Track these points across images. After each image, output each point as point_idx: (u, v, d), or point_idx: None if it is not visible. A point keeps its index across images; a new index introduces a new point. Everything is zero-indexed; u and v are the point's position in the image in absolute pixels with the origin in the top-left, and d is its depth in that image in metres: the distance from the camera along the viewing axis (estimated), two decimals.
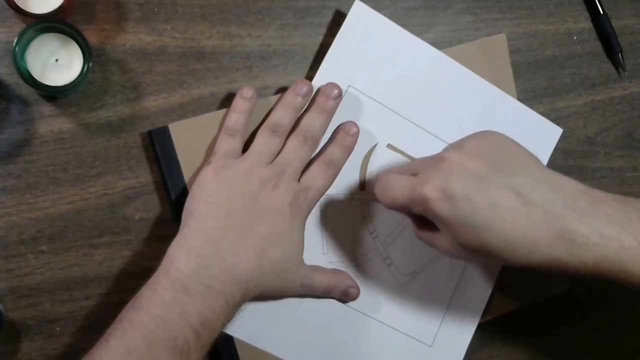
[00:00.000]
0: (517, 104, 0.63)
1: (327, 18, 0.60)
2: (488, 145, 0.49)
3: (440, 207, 0.46)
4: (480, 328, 0.62)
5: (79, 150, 0.55)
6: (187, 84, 0.57)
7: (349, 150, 0.57)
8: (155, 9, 0.57)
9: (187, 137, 0.56)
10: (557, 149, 0.65)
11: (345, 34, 0.58)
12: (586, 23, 0.67)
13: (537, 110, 0.65)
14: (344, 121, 0.58)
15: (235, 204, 0.52)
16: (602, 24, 0.66)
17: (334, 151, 0.57)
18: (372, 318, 0.59)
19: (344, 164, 0.58)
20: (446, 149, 0.50)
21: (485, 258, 0.48)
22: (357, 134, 0.57)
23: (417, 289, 0.60)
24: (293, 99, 0.56)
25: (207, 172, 0.53)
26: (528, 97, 0.65)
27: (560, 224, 0.46)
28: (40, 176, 0.54)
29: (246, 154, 0.54)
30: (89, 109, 0.55)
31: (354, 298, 0.58)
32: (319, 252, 0.58)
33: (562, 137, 0.66)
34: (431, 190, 0.47)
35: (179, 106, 0.57)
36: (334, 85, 0.56)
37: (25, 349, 0.54)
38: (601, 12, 0.66)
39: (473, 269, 0.61)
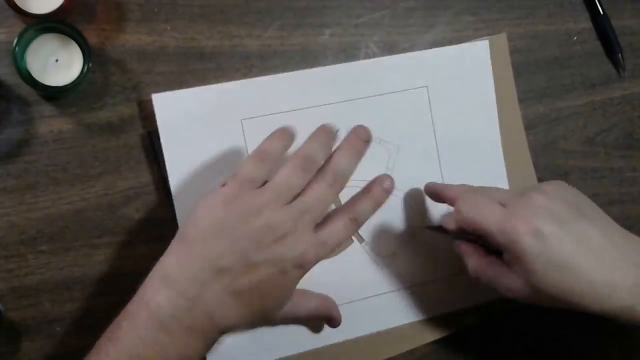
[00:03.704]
0: None
1: (327, 18, 0.60)
2: (568, 193, 0.51)
3: (529, 243, 0.47)
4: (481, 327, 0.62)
5: (79, 150, 0.55)
6: (187, 84, 0.57)
7: (378, 206, 0.53)
8: (156, 9, 0.57)
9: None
10: (557, 149, 0.65)
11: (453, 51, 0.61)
12: (586, 23, 0.67)
13: (537, 111, 0.65)
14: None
15: (233, 246, 0.47)
16: (602, 24, 0.66)
17: (364, 206, 0.52)
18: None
19: (366, 220, 0.52)
20: (529, 190, 0.51)
21: (558, 301, 0.48)
22: (391, 189, 0.53)
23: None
24: (326, 135, 0.51)
25: (217, 198, 0.47)
26: (528, 97, 0.65)
27: (636, 273, 0.47)
28: (40, 176, 0.54)
29: (265, 186, 0.48)
30: (89, 109, 0.55)
31: (335, 326, 0.57)
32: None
33: (562, 137, 0.66)
34: (523, 226, 0.47)
35: None
36: (365, 129, 0.52)
37: (25, 349, 0.54)
38: (601, 12, 0.66)
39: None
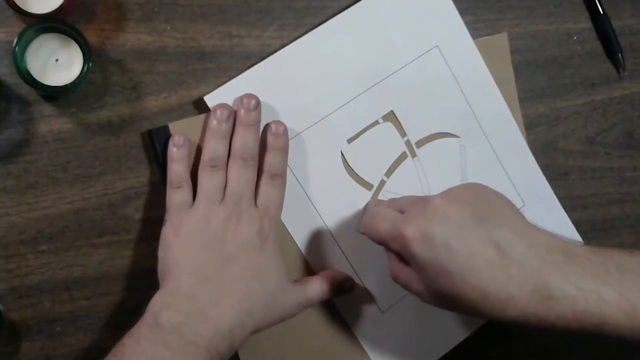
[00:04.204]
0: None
1: (327, 18, 0.60)
2: (473, 195, 0.50)
3: (418, 248, 0.47)
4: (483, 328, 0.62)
5: (79, 150, 0.55)
6: (187, 84, 0.57)
7: (285, 151, 0.56)
8: (155, 9, 0.57)
9: (191, 136, 0.56)
10: (557, 149, 0.65)
11: None
12: (586, 23, 0.67)
13: (537, 111, 0.65)
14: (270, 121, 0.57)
15: (204, 255, 0.51)
16: (602, 24, 0.66)
17: (273, 160, 0.56)
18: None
19: (287, 167, 0.57)
20: (434, 195, 0.50)
21: (458, 308, 0.48)
22: (286, 131, 0.56)
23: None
24: (219, 127, 0.54)
25: (167, 233, 0.53)
26: (528, 97, 0.65)
27: (537, 279, 0.45)
28: (40, 176, 0.54)
29: (196, 199, 0.54)
30: (89, 109, 0.55)
31: (351, 290, 0.58)
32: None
33: (562, 137, 0.66)
34: (412, 231, 0.47)
35: (179, 106, 0.57)
36: (250, 97, 0.55)
37: (25, 349, 0.54)
38: (601, 12, 0.66)
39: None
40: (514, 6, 0.65)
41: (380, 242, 0.51)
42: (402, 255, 0.49)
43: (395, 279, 0.52)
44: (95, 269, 0.55)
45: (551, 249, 0.47)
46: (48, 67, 0.52)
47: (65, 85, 0.51)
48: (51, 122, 0.55)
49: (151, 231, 0.56)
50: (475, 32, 0.63)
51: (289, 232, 0.58)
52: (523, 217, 0.49)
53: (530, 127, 0.64)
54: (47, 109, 0.55)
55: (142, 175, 0.56)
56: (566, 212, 0.65)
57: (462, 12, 0.63)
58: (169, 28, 0.57)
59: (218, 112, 0.55)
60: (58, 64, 0.52)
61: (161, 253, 0.53)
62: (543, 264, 0.46)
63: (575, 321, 0.45)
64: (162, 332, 0.48)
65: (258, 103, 0.55)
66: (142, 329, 0.49)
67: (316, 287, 0.56)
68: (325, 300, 0.57)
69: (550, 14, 0.66)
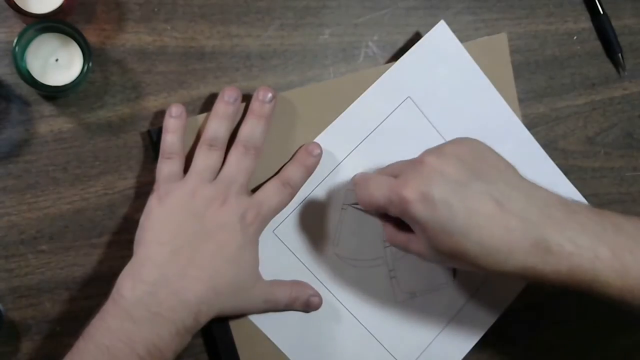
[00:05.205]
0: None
1: (327, 18, 0.60)
2: (467, 152, 0.49)
3: (418, 210, 0.47)
4: None
5: (79, 150, 0.55)
6: (187, 84, 0.57)
7: (309, 171, 0.56)
8: (155, 9, 0.57)
9: (186, 136, 0.55)
10: (557, 149, 0.65)
11: (420, 48, 0.59)
12: (586, 23, 0.67)
13: (536, 111, 0.65)
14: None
15: (182, 227, 0.51)
16: (602, 24, 0.66)
17: (293, 171, 0.56)
18: (360, 323, 0.59)
19: (302, 184, 0.56)
20: (425, 153, 0.50)
21: (459, 263, 0.48)
22: (319, 155, 0.56)
23: (411, 310, 0.60)
24: (224, 108, 0.54)
25: (151, 201, 0.53)
26: (528, 97, 0.65)
27: (536, 232, 0.46)
28: (40, 176, 0.54)
29: (187, 174, 0.53)
30: (89, 109, 0.55)
31: (317, 307, 0.57)
32: (330, 242, 0.58)
33: (562, 137, 0.66)
34: (410, 193, 0.47)
35: None
36: (267, 89, 0.55)
37: (25, 349, 0.54)
38: (601, 12, 0.66)
39: (473, 308, 0.61)
40: (514, 6, 0.65)
41: (377, 209, 0.51)
42: (402, 218, 0.49)
43: (392, 243, 0.53)
44: (95, 269, 0.55)
45: (550, 204, 0.48)
46: (48, 67, 0.52)
47: (65, 85, 0.51)
48: (51, 122, 0.55)
49: None
50: (475, 32, 0.63)
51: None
52: (518, 172, 0.50)
53: (530, 127, 0.64)
54: (47, 109, 0.55)
55: (142, 175, 0.56)
56: None
57: (462, 11, 0.63)
58: (169, 28, 0.57)
59: (226, 94, 0.55)
60: (58, 64, 0.52)
61: (141, 219, 0.53)
62: (542, 218, 0.46)
63: (569, 276, 0.46)
64: (126, 304, 0.48)
65: (274, 97, 0.55)
66: (108, 304, 0.49)
67: (285, 291, 0.55)
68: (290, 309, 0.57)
69: (550, 14, 0.66)
